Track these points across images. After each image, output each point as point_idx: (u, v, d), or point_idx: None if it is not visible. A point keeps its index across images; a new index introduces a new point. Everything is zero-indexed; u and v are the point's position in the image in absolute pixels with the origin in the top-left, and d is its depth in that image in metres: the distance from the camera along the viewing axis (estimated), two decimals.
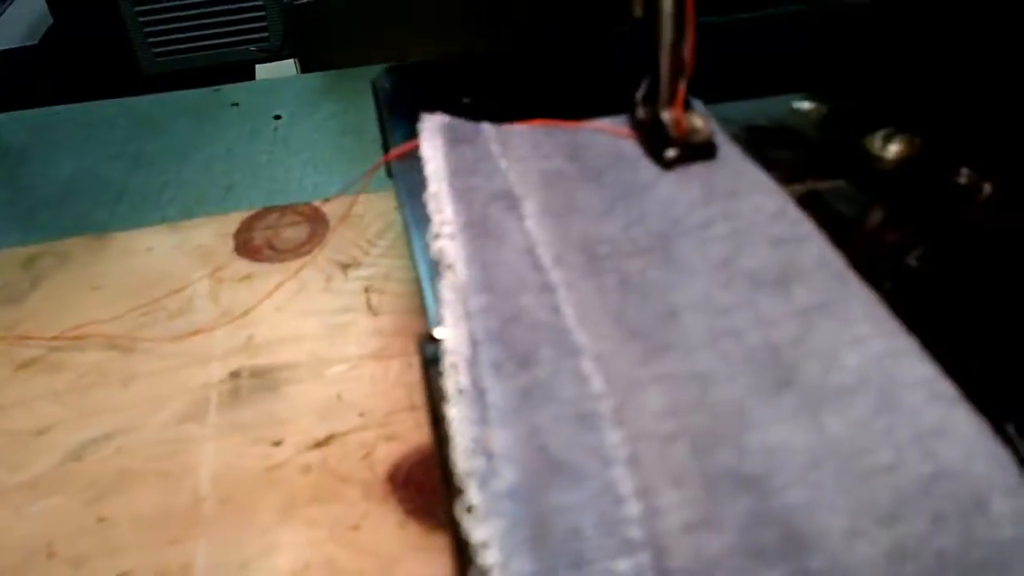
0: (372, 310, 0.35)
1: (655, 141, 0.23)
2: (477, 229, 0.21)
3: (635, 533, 0.15)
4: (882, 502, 0.15)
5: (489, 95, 0.31)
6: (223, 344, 0.34)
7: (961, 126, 0.26)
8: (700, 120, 0.23)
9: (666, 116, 0.23)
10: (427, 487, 0.28)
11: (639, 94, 0.24)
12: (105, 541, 0.27)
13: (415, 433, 0.30)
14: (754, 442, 0.16)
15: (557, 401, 0.17)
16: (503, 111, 0.31)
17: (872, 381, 0.16)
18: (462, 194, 0.22)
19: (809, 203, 0.24)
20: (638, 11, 0.22)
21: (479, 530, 0.15)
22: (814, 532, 0.14)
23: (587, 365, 0.18)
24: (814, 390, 0.17)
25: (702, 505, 0.15)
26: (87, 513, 0.27)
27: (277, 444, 0.30)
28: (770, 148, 0.26)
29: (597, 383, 0.17)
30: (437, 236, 0.21)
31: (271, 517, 0.27)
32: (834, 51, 0.31)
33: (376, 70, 0.32)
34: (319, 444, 0.30)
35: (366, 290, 0.36)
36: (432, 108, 0.32)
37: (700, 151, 0.23)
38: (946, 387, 0.16)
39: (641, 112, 0.24)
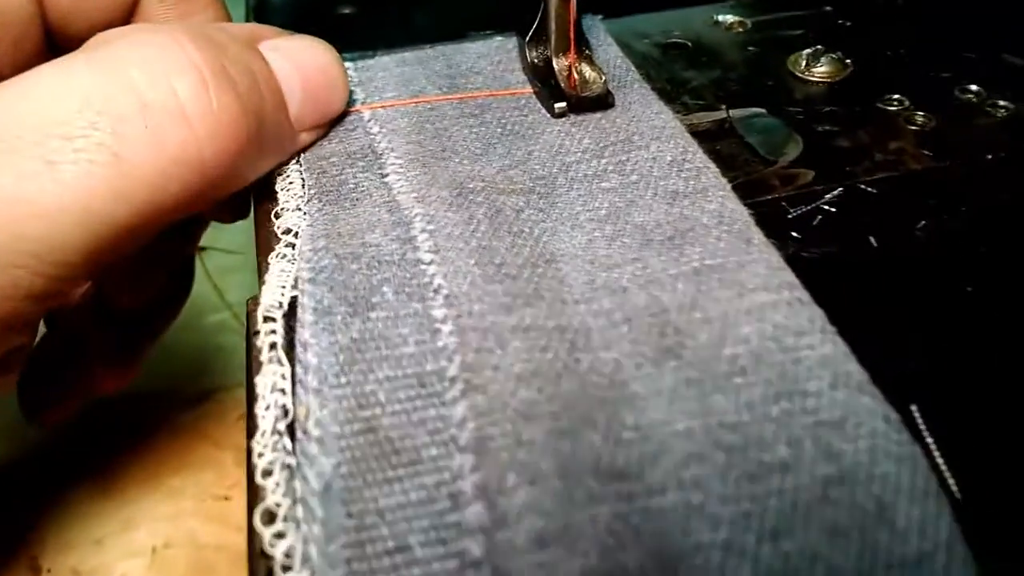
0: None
1: (546, 90, 0.20)
2: (330, 196, 0.19)
3: (473, 547, 0.12)
4: (771, 511, 0.12)
5: (370, 5, 0.27)
6: None
7: (897, 48, 0.23)
8: (594, 71, 0.20)
9: (557, 65, 0.20)
10: None
11: (528, 35, 0.21)
12: None
13: None
14: (628, 422, 0.13)
15: (393, 360, 0.14)
16: (385, 23, 0.27)
17: (769, 359, 0.14)
18: (314, 164, 0.19)
19: (720, 135, 0.21)
20: None
21: (281, 544, 0.13)
22: (689, 550, 0.12)
23: (438, 310, 0.15)
24: (703, 363, 0.14)
25: (557, 510, 0.12)
26: None
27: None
28: (684, 69, 0.23)
29: (447, 333, 0.15)
30: (280, 212, 0.18)
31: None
32: None
33: None
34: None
35: None
36: (309, 19, 0.28)
37: (593, 104, 0.20)
38: (853, 369, 0.14)
39: (531, 54, 0.21)
